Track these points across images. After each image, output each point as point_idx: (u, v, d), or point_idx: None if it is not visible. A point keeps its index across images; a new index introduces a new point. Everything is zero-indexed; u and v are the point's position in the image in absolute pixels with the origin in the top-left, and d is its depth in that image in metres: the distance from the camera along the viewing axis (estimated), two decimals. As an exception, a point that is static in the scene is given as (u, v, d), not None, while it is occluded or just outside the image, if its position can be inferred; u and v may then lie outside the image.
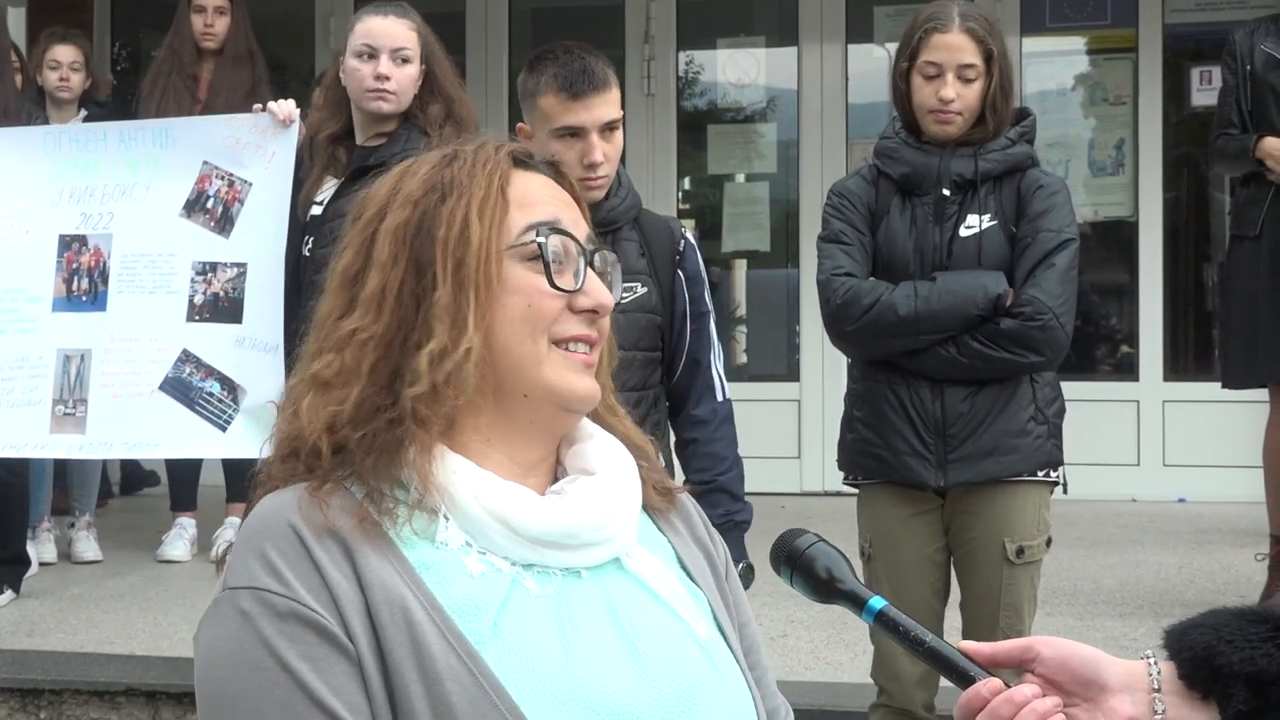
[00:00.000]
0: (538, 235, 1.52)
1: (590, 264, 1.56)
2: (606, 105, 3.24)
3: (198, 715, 1.44)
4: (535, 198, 1.57)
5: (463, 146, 1.60)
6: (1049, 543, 3.51)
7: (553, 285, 1.52)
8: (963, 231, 3.46)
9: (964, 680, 1.48)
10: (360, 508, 1.46)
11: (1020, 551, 3.41)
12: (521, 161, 1.60)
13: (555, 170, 1.63)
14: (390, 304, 1.52)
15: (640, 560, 1.57)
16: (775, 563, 1.59)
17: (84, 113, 6.60)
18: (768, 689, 1.67)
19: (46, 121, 6.06)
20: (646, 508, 1.65)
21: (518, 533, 1.47)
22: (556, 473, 1.61)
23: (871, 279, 3.49)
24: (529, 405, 1.53)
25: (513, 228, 1.53)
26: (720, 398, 3.41)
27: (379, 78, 3.99)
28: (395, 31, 4.04)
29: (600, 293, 1.56)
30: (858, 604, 1.54)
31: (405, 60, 4.02)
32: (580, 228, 1.58)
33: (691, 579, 1.64)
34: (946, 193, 3.47)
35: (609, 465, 1.58)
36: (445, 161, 1.58)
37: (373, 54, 4.00)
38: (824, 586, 1.55)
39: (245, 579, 1.42)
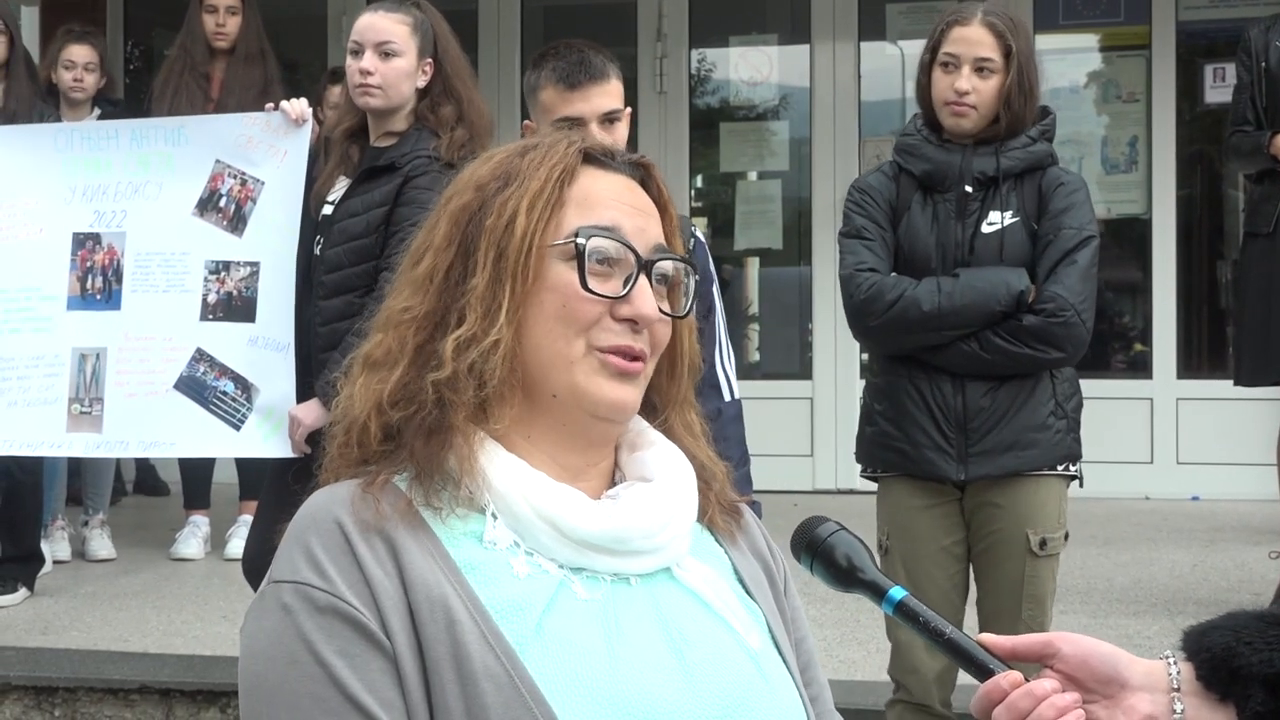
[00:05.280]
0: (579, 236, 1.49)
1: (647, 273, 1.51)
2: (605, 96, 3.23)
3: (240, 705, 1.44)
4: (599, 199, 1.53)
5: (544, 138, 1.57)
6: (1066, 537, 3.53)
7: (586, 288, 1.48)
8: (985, 228, 3.48)
9: (983, 673, 1.47)
10: (406, 498, 1.46)
11: (1044, 543, 3.44)
12: (598, 160, 1.56)
13: (645, 171, 1.60)
14: (437, 285, 1.51)
15: (692, 571, 1.54)
16: (796, 550, 1.57)
17: (97, 111, 6.61)
18: (824, 707, 1.66)
19: (59, 120, 6.07)
20: (709, 522, 1.62)
21: (566, 535, 1.45)
22: (615, 478, 1.58)
23: (895, 275, 3.51)
24: (558, 407, 1.51)
25: (564, 226, 1.50)
26: (728, 396, 3.39)
27: (362, 73, 3.98)
28: (380, 25, 4.01)
29: (644, 303, 1.50)
30: (878, 594, 1.52)
31: (391, 54, 3.98)
32: (646, 236, 1.53)
33: (747, 592, 1.61)
34: (969, 190, 3.49)
35: (667, 473, 1.55)
36: (520, 151, 1.55)
37: (360, 50, 4.00)
38: (844, 575, 1.54)
39: (289, 573, 1.42)
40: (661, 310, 1.53)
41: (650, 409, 1.61)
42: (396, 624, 1.39)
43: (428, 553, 1.43)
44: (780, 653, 1.58)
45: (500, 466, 1.47)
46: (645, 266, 1.52)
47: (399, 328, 1.51)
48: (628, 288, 1.50)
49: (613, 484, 1.57)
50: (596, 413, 1.51)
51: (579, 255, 1.48)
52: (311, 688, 1.37)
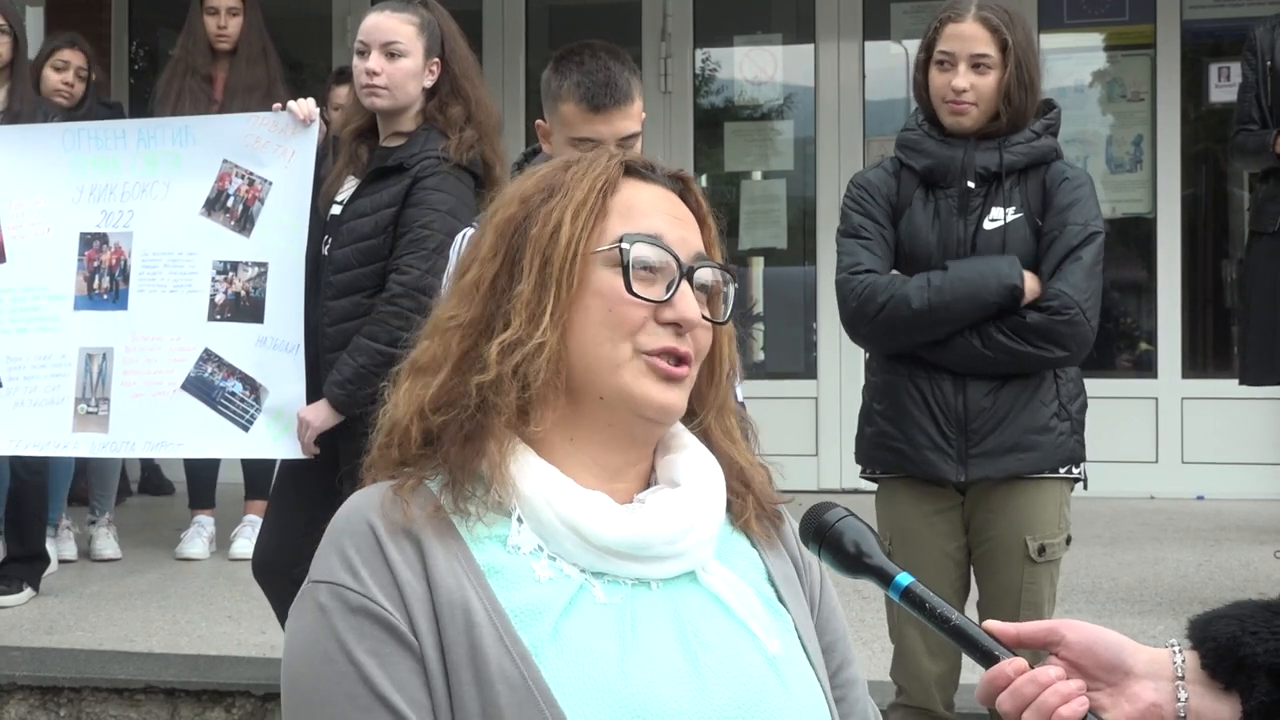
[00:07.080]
0: (623, 242, 1.54)
1: (689, 279, 1.56)
2: (626, 120, 3.22)
3: (282, 702, 1.51)
4: (641, 209, 1.58)
5: (586, 154, 1.63)
6: (1068, 541, 3.49)
7: (630, 292, 1.52)
8: (987, 224, 3.44)
9: (988, 659, 1.48)
10: (436, 501, 1.50)
11: (1042, 550, 3.39)
12: (639, 172, 1.62)
13: (683, 184, 1.65)
14: (483, 294, 1.56)
15: (717, 575, 1.57)
16: (804, 536, 1.59)
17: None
18: (857, 706, 1.68)
19: (63, 120, 6.07)
20: (744, 526, 1.65)
21: (588, 541, 1.49)
22: (650, 480, 1.61)
23: (891, 273, 3.47)
24: (605, 409, 1.55)
25: (608, 233, 1.55)
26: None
27: (368, 73, 3.98)
28: (386, 25, 4.01)
29: (686, 307, 1.55)
30: (885, 579, 1.54)
31: (397, 54, 3.97)
32: (688, 244, 1.58)
33: (779, 595, 1.63)
34: (971, 185, 3.44)
35: (695, 478, 1.58)
36: (564, 166, 1.61)
37: (366, 50, 4.00)
38: (852, 561, 1.55)
39: (325, 574, 1.48)
40: (703, 316, 1.58)
41: (688, 413, 1.64)
42: (424, 625, 1.44)
43: (452, 555, 1.47)
44: (808, 656, 1.60)
45: (529, 472, 1.51)
46: (687, 272, 1.56)
47: (445, 334, 1.56)
48: (670, 292, 1.54)
49: (647, 486, 1.60)
50: (644, 414, 1.55)
51: (624, 260, 1.53)
52: (344, 686, 1.43)
